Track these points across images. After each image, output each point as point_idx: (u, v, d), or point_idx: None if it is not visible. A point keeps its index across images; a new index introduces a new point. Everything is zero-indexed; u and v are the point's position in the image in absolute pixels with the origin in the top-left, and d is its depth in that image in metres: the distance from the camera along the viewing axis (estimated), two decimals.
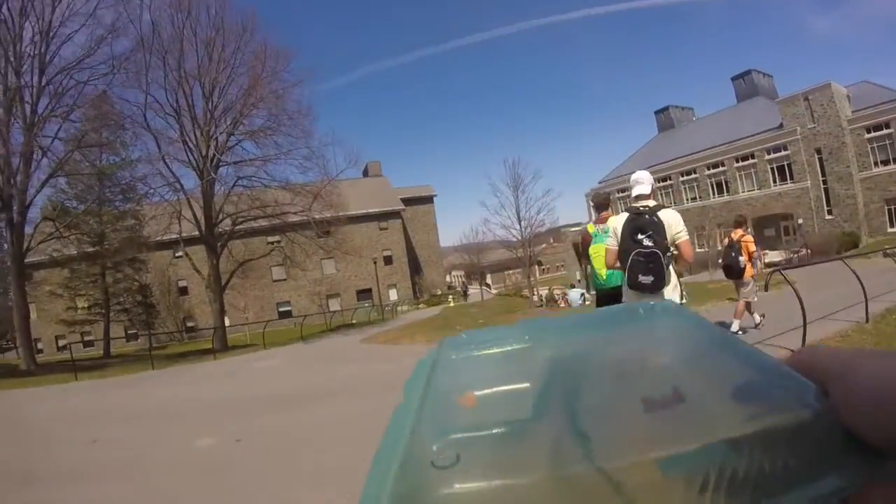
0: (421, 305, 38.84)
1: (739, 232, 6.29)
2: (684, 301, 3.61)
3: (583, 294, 19.73)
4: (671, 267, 3.12)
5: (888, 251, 10.63)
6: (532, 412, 0.25)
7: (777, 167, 32.51)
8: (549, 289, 26.46)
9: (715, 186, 37.86)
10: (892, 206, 27.62)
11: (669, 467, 0.20)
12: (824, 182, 29.70)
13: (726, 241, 6.45)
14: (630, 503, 0.20)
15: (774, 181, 32.60)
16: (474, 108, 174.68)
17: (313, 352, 14.07)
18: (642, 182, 3.32)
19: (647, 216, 3.09)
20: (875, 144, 28.17)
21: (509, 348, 0.29)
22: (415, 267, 46.77)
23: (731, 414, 0.22)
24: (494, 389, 0.27)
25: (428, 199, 51.41)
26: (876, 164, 28.24)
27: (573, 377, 0.27)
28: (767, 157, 33.15)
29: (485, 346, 0.30)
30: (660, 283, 3.02)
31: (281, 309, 38.81)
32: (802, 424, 0.21)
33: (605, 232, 3.63)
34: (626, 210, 3.25)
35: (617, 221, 3.24)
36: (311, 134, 20.98)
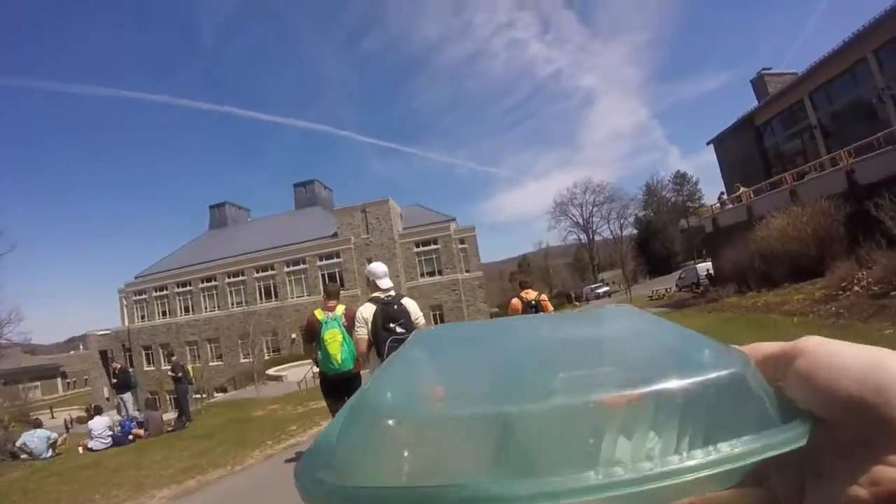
0: None
1: (534, 293, 5.79)
2: None
3: (112, 432, 10.04)
4: None
5: None
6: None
7: (328, 273, 32.16)
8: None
9: (263, 290, 34.20)
10: (436, 312, 31.92)
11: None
12: None
13: (517, 303, 5.70)
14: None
15: None
16: None
17: None
18: (386, 275, 3.67)
19: (395, 306, 3.43)
20: (423, 258, 33.14)
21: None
22: None
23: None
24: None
25: None
26: (422, 274, 32.06)
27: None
28: (319, 262, 32.84)
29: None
30: None
31: None
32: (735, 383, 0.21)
33: (335, 319, 4.15)
34: (371, 301, 3.48)
35: (367, 312, 3.44)
36: None
